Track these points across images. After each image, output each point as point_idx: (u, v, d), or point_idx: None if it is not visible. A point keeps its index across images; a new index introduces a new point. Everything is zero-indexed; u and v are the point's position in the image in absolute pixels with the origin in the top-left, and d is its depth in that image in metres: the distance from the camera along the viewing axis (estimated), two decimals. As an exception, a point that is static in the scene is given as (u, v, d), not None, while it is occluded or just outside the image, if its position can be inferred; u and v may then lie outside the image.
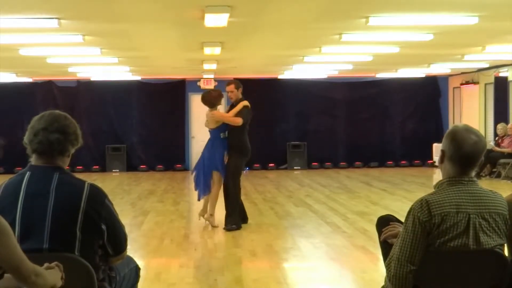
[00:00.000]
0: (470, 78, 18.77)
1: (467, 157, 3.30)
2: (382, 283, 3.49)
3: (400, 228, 3.52)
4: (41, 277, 2.81)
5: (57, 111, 3.39)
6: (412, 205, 3.31)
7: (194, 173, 9.59)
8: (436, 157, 18.27)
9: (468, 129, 3.34)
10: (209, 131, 9.46)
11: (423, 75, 19.87)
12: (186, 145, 19.98)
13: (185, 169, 19.73)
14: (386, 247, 3.67)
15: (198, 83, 19.88)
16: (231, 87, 9.42)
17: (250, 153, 9.48)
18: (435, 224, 3.24)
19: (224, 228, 9.07)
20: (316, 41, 11.80)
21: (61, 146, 3.30)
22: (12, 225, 2.87)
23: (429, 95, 20.41)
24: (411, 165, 19.86)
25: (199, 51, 12.66)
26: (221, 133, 9.27)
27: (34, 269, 2.79)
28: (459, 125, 3.40)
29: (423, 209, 3.25)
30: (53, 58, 13.58)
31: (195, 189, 9.54)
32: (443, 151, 3.36)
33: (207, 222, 9.42)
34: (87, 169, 18.93)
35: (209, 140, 9.43)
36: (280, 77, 19.51)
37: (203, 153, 9.43)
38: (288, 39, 11.42)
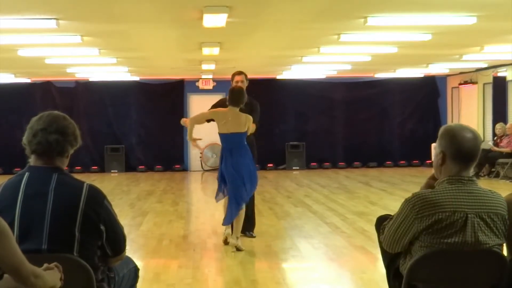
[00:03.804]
0: (468, 78, 18.78)
1: (469, 153, 3.33)
2: (381, 283, 3.50)
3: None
4: (40, 279, 2.81)
5: (56, 112, 3.39)
6: (410, 198, 3.34)
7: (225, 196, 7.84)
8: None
9: (463, 127, 3.39)
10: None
11: (422, 75, 19.89)
12: (185, 146, 19.94)
13: (184, 169, 19.73)
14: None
15: (196, 84, 19.89)
16: (242, 77, 8.32)
17: None
18: (430, 222, 3.26)
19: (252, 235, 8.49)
20: (315, 41, 11.80)
21: (60, 147, 3.29)
22: (11, 226, 2.87)
23: (428, 95, 20.41)
24: (410, 165, 19.87)
25: (197, 52, 12.66)
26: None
27: (33, 270, 2.79)
28: (452, 125, 3.44)
29: (416, 206, 3.29)
30: (51, 59, 13.58)
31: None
32: (443, 152, 3.36)
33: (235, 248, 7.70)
34: (86, 169, 18.92)
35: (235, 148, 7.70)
36: (278, 77, 19.51)
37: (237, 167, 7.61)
38: (286, 39, 11.42)
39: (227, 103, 7.71)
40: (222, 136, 7.71)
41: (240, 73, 8.44)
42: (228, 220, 7.72)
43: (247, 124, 7.63)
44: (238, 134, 7.61)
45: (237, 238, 7.65)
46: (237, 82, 8.27)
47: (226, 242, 7.88)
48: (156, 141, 19.57)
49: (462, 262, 3.32)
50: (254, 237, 8.39)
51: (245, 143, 7.70)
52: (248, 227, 8.39)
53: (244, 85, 8.25)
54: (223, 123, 7.62)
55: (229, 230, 7.80)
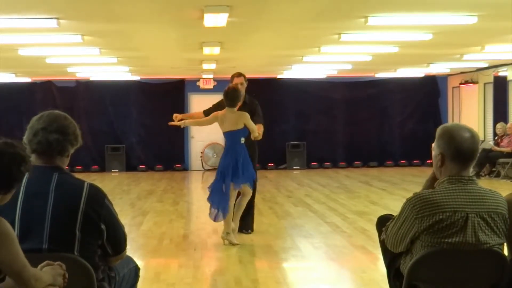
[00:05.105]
0: (469, 77, 18.78)
1: (468, 153, 3.33)
2: (382, 283, 3.50)
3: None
4: (40, 281, 2.82)
5: (57, 111, 3.39)
6: (411, 199, 3.34)
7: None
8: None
9: (460, 127, 3.39)
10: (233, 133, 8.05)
11: (422, 75, 19.88)
12: (186, 145, 19.97)
13: (184, 169, 19.74)
14: (385, 247, 3.68)
15: (197, 83, 19.89)
16: (241, 79, 8.45)
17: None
18: (430, 222, 3.26)
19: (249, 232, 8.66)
20: (315, 41, 11.80)
21: (60, 146, 3.29)
22: (12, 226, 2.87)
23: (428, 95, 20.41)
24: (410, 164, 19.87)
25: (198, 51, 12.66)
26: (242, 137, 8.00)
27: (34, 273, 2.80)
28: (448, 125, 3.43)
29: (417, 206, 3.28)
30: (52, 58, 13.58)
31: (214, 213, 8.00)
32: (442, 154, 3.36)
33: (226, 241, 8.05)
34: (86, 169, 18.93)
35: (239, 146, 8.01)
36: (279, 77, 19.51)
37: (233, 163, 7.92)
38: (287, 39, 11.42)
39: (225, 103, 8.02)
40: (224, 134, 8.18)
41: (239, 75, 8.61)
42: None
43: (242, 121, 7.91)
44: (233, 132, 7.97)
45: (228, 232, 8.01)
46: (236, 84, 8.42)
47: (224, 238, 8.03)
48: (156, 141, 19.56)
49: (463, 261, 3.32)
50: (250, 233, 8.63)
51: (241, 141, 7.98)
52: (245, 226, 8.60)
53: (244, 86, 8.47)
54: (222, 124, 8.04)
55: (231, 226, 8.03)
